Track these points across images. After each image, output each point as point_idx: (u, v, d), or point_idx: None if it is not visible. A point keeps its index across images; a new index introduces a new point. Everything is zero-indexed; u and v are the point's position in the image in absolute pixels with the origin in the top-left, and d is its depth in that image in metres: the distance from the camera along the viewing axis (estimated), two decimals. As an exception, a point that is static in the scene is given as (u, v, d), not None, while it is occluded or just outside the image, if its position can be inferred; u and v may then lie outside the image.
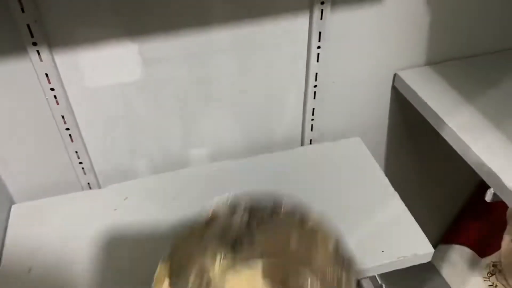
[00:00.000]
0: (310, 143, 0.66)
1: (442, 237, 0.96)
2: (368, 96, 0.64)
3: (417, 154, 0.76)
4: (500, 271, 0.83)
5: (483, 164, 0.47)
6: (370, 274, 0.50)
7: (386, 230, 0.53)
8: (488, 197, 0.48)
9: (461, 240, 0.91)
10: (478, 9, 0.60)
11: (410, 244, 0.51)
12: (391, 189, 0.57)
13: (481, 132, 0.51)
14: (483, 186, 0.84)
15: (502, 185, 0.45)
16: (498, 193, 0.46)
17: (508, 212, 0.80)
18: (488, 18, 0.61)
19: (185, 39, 0.52)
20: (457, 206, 0.92)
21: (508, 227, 0.80)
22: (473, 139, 0.50)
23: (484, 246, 0.86)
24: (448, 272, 0.94)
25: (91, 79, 0.52)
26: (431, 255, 0.51)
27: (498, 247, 0.83)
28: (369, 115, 0.66)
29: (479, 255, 0.87)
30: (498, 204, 0.78)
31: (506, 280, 0.82)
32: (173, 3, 0.49)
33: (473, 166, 0.49)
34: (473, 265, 0.88)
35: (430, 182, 0.82)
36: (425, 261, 0.51)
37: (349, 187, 0.58)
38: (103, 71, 0.52)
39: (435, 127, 0.55)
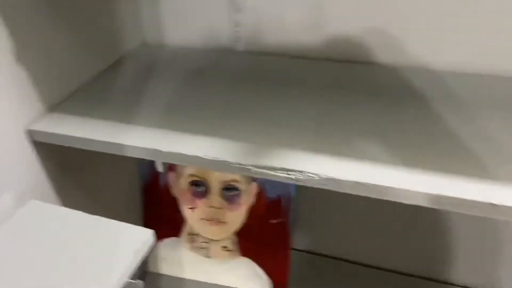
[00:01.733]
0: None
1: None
2: (19, 160, 0.65)
3: (83, 186, 0.83)
4: (195, 234, 1.03)
5: (136, 147, 0.61)
6: None
7: (113, 247, 0.58)
8: (159, 168, 0.62)
9: (159, 237, 1.05)
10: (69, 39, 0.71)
11: (135, 240, 0.59)
12: (87, 216, 0.63)
13: (124, 131, 0.64)
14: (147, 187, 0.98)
15: (153, 151, 0.60)
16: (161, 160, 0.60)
17: (170, 180, 0.99)
18: (74, 47, 0.74)
19: None
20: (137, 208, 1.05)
21: (180, 198, 1.00)
22: (127, 138, 0.62)
23: (177, 226, 1.04)
24: (165, 267, 1.07)
25: None
26: (152, 234, 0.60)
27: (184, 219, 1.02)
28: (30, 177, 0.68)
29: (177, 236, 1.04)
30: (163, 187, 0.97)
31: (200, 236, 1.03)
32: None
33: (130, 155, 0.62)
34: (178, 246, 1.05)
35: (105, 200, 0.91)
36: (152, 242, 0.60)
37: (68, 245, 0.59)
38: None
39: (89, 148, 0.64)
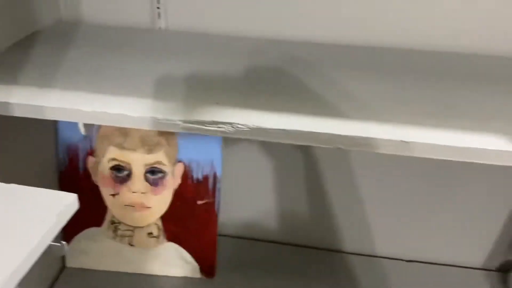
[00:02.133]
0: None
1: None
2: None
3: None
4: (118, 222, 0.99)
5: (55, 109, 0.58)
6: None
7: (34, 212, 0.55)
8: (82, 130, 0.59)
9: (78, 228, 1.00)
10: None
11: (57, 203, 0.56)
12: None
13: (42, 94, 0.60)
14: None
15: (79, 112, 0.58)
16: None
17: (89, 166, 0.95)
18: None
19: None
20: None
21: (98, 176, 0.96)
22: (46, 100, 0.59)
23: (98, 215, 0.99)
24: (86, 261, 1.01)
25: None
26: (75, 198, 0.57)
27: (105, 207, 0.98)
28: None
29: (98, 226, 0.99)
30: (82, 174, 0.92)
31: (123, 224, 0.99)
32: None
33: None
34: (99, 236, 1.00)
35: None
36: (76, 205, 0.57)
37: None
38: None
39: (5, 113, 0.59)
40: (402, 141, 0.53)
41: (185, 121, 0.57)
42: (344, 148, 0.55)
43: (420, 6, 0.80)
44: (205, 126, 0.57)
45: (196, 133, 0.58)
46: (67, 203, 0.57)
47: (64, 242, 0.54)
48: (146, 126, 0.58)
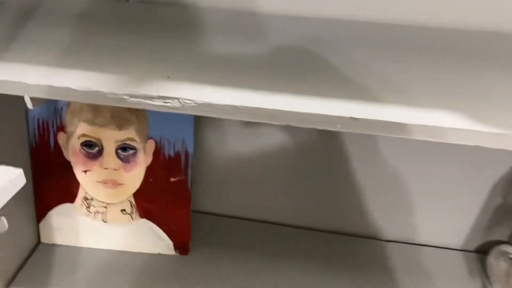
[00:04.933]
0: None
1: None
2: None
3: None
4: (91, 199, 0.98)
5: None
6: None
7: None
8: (29, 104, 0.58)
9: (51, 204, 0.99)
10: None
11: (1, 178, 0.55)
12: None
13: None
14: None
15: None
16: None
17: (60, 142, 0.94)
18: None
19: None
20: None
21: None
22: None
23: (70, 191, 0.98)
24: (59, 237, 1.02)
25: None
26: (21, 173, 0.56)
27: (77, 183, 0.97)
28: None
29: (71, 202, 0.99)
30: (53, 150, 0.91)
31: (96, 200, 0.98)
32: None
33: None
34: (72, 212, 1.00)
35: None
36: (22, 180, 0.56)
37: None
38: None
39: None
40: (351, 117, 0.51)
41: (131, 96, 0.55)
42: (293, 125, 0.53)
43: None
44: (152, 101, 0.55)
45: (144, 107, 0.56)
46: (11, 178, 0.56)
47: (3, 218, 0.53)
48: (93, 101, 0.56)
